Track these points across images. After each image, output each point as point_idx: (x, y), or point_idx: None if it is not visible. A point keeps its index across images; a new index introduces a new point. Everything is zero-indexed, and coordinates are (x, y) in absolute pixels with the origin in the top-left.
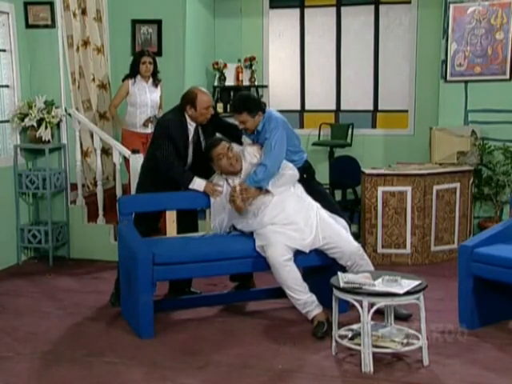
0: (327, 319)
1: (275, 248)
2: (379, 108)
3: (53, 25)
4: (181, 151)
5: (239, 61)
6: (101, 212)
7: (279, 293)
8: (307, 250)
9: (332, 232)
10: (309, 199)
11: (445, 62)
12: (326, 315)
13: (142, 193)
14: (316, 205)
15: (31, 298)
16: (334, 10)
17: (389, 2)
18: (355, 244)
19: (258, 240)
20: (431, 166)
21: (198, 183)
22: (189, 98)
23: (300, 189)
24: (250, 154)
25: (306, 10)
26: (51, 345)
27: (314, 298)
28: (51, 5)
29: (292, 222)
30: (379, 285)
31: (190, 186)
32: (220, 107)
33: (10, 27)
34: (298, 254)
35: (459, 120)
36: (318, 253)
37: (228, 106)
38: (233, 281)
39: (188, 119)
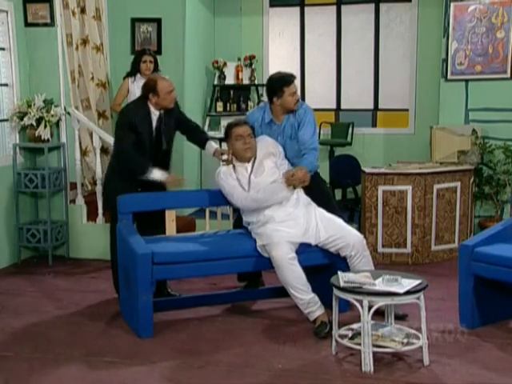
0: (329, 320)
1: (279, 247)
2: (379, 107)
3: (52, 23)
4: (144, 140)
5: (239, 59)
6: (100, 211)
7: (279, 292)
8: (312, 242)
9: (334, 224)
10: (306, 197)
11: (445, 60)
12: (328, 316)
13: (111, 189)
14: (313, 204)
15: (30, 297)
16: (334, 8)
17: (389, 1)
18: (358, 234)
19: (259, 240)
20: (432, 165)
21: (156, 174)
22: (149, 87)
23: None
24: (271, 145)
25: (306, 9)
26: (50, 344)
27: (316, 298)
28: (50, 3)
29: (291, 218)
30: (379, 284)
31: (151, 176)
32: (220, 106)
33: (8, 25)
34: (300, 253)
35: (460, 119)
36: (321, 251)
37: (228, 105)
38: (241, 281)
39: (151, 108)
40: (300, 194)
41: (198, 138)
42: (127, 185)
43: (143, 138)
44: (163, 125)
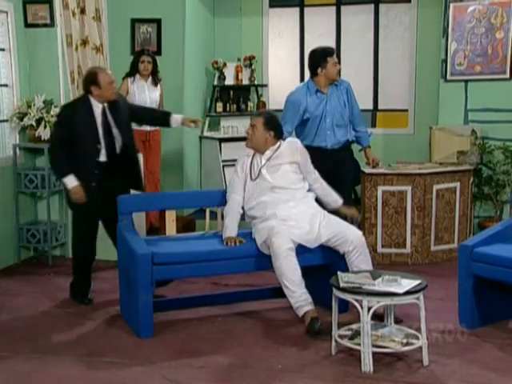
0: (319, 317)
1: (280, 235)
2: (379, 107)
3: (52, 24)
4: (85, 137)
5: (239, 60)
6: None
7: (279, 292)
8: (311, 246)
9: (334, 223)
10: (315, 204)
11: (445, 61)
12: (317, 313)
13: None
14: (320, 209)
15: (30, 297)
16: (333, 8)
17: (389, 1)
18: (357, 230)
19: (260, 237)
20: (431, 165)
21: (70, 181)
22: (90, 79)
23: (309, 195)
24: (300, 153)
25: (306, 9)
26: (50, 344)
27: (309, 295)
28: (50, 4)
29: (293, 219)
30: (379, 284)
31: (63, 180)
32: (219, 106)
33: (8, 26)
34: (300, 253)
35: (459, 119)
36: (320, 251)
37: (228, 106)
38: None
39: (93, 101)
40: (310, 199)
41: (159, 116)
42: (82, 184)
43: (83, 134)
44: (110, 118)
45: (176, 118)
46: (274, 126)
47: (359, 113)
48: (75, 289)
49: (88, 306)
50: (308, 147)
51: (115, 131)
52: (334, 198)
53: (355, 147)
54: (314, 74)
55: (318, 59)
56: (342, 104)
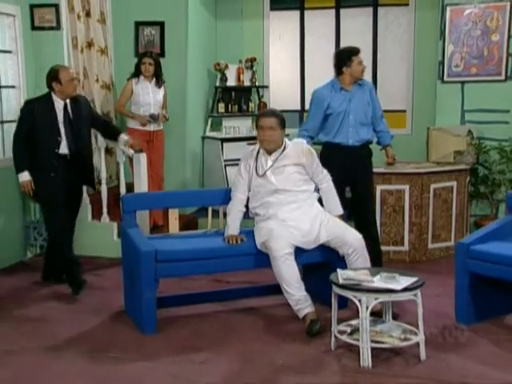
0: (318, 317)
1: (278, 240)
2: None
3: (58, 27)
4: (46, 131)
5: (240, 62)
6: (105, 210)
7: (280, 289)
8: (309, 247)
9: (334, 226)
10: (318, 205)
11: (442, 62)
12: (317, 314)
13: (33, 180)
14: (322, 210)
15: (36, 294)
16: (333, 11)
17: (387, 5)
18: (357, 233)
19: (259, 237)
20: (428, 164)
21: (23, 175)
22: (52, 76)
23: (313, 196)
24: (305, 154)
25: (306, 12)
26: (55, 340)
27: (308, 297)
28: (56, 7)
29: (294, 220)
30: (377, 281)
31: (18, 174)
32: (221, 107)
33: (16, 29)
34: (299, 252)
35: (456, 120)
36: (320, 249)
37: (229, 106)
38: None
39: (55, 98)
40: (314, 201)
41: (111, 132)
42: (42, 174)
43: (43, 126)
44: (71, 113)
45: (123, 138)
46: (284, 123)
47: (382, 114)
48: (70, 280)
49: (85, 288)
50: (329, 143)
51: (76, 127)
52: (336, 206)
53: (375, 148)
54: (339, 72)
55: (344, 58)
56: (366, 103)
